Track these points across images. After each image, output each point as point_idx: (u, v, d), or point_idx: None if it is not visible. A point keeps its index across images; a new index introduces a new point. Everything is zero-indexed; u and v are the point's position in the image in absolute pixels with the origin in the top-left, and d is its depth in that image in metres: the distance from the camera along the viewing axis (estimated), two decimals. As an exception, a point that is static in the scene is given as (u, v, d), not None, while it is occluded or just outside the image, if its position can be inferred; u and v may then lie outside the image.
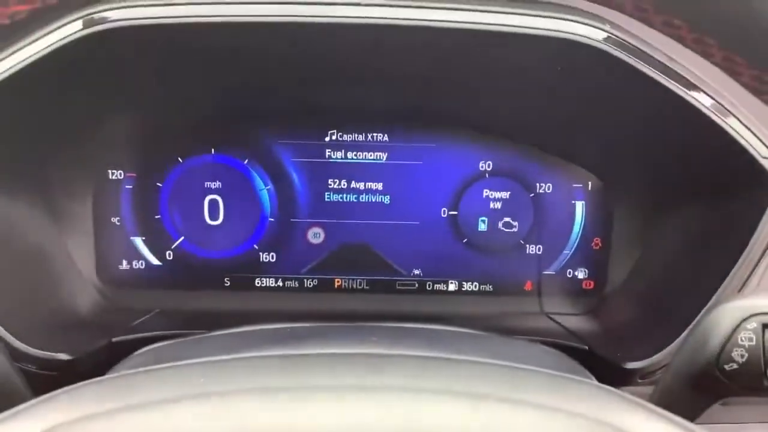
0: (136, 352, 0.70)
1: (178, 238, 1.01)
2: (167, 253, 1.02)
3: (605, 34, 0.76)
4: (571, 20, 0.76)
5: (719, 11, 0.53)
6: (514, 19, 0.77)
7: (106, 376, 0.48)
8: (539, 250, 1.04)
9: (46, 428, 0.40)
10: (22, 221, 0.88)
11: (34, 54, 0.71)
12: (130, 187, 1.00)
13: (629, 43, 0.75)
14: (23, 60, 0.71)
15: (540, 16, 0.77)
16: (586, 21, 0.76)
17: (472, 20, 0.77)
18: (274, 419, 0.39)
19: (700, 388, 0.57)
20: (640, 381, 0.82)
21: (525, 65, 0.84)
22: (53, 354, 0.78)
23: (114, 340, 0.86)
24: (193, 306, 1.01)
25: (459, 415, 0.42)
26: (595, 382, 0.49)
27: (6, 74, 0.71)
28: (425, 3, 0.78)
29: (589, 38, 0.76)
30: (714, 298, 0.80)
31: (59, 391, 0.45)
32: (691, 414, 0.59)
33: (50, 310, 0.87)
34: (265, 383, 0.43)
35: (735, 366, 0.55)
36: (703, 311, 0.79)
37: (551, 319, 1.01)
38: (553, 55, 0.80)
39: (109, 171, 0.99)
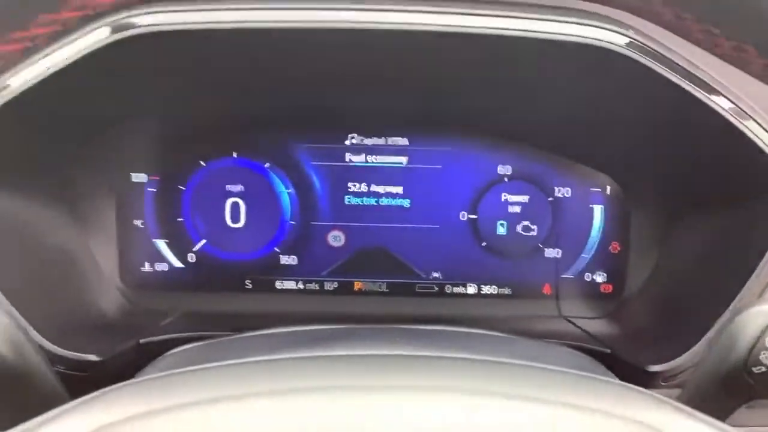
0: (169, 353, 0.71)
1: (200, 241, 1.02)
2: (189, 255, 1.03)
3: (628, 40, 0.77)
4: (594, 26, 0.77)
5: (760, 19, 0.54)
6: (537, 25, 0.78)
7: (152, 376, 0.49)
8: (558, 254, 1.05)
9: (95, 428, 0.40)
10: (48, 224, 0.90)
11: (62, 61, 0.72)
12: (153, 190, 1.01)
13: (651, 48, 0.76)
14: (51, 67, 0.72)
15: (563, 21, 0.78)
16: (609, 26, 0.77)
17: (494, 26, 0.78)
18: (326, 419, 0.40)
19: (728, 390, 0.58)
20: (662, 384, 0.83)
21: (547, 70, 0.85)
22: (83, 355, 0.79)
23: (141, 341, 0.87)
24: (215, 308, 1.02)
25: (495, 414, 0.42)
26: (630, 384, 0.49)
27: (34, 81, 0.72)
28: (448, 9, 0.79)
29: (612, 43, 0.76)
30: (734, 301, 0.81)
31: (106, 390, 0.46)
32: (719, 416, 0.59)
33: (77, 312, 0.89)
34: (314, 384, 0.44)
35: (763, 369, 0.56)
36: (725, 315, 0.80)
37: (570, 322, 1.02)
38: (575, 61, 0.81)
39: (133, 174, 1.00)
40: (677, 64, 0.76)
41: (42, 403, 0.63)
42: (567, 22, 0.78)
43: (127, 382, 0.48)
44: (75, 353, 0.78)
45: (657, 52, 0.76)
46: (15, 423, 0.53)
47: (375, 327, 0.69)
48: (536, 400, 0.44)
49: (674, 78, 0.76)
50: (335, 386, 0.45)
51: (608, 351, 0.89)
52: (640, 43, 0.76)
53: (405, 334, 0.68)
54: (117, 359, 0.82)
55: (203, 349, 0.68)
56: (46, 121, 0.82)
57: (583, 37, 0.77)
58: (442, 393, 0.45)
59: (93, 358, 0.79)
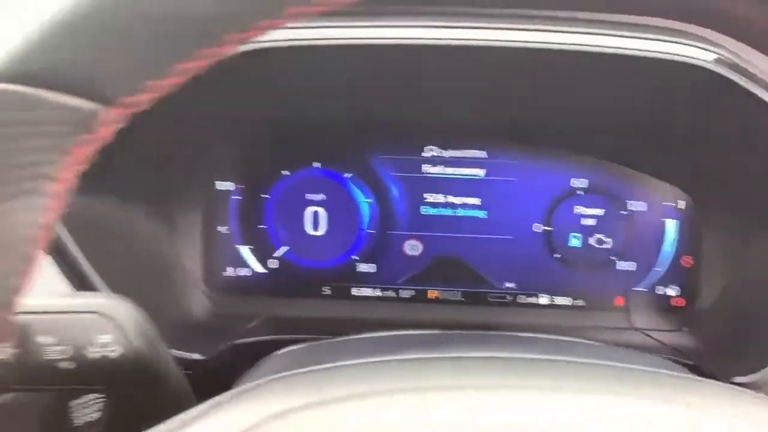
0: (276, 353, 0.74)
1: (282, 248, 1.06)
2: (271, 261, 1.06)
3: (715, 56, 0.79)
4: (680, 42, 0.79)
5: None
6: (622, 42, 0.81)
7: (302, 371, 0.51)
8: (630, 267, 1.06)
9: (257, 420, 0.42)
10: (143, 229, 0.94)
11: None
12: (238, 198, 1.05)
13: (738, 63, 0.78)
14: None
15: (649, 38, 0.80)
16: (696, 43, 0.79)
17: (580, 43, 0.80)
18: (474, 416, 0.42)
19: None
20: (748, 396, 0.83)
21: (628, 86, 0.87)
22: (188, 354, 0.82)
23: (237, 342, 0.90)
24: (294, 313, 1.05)
25: (631, 413, 0.44)
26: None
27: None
28: (535, 26, 0.82)
29: (698, 59, 0.79)
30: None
31: (263, 381, 0.48)
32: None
33: (172, 314, 0.92)
34: (462, 383, 0.46)
35: None
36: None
37: (647, 335, 1.03)
38: (658, 76, 0.83)
39: (219, 182, 1.04)
40: (763, 79, 0.78)
41: (171, 401, 0.66)
42: (653, 39, 0.80)
43: (276, 376, 0.50)
44: (181, 352, 0.82)
45: (743, 67, 0.78)
46: (147, 421, 0.57)
47: (484, 333, 0.71)
48: (667, 402, 0.45)
49: (760, 93, 0.78)
50: (487, 385, 0.47)
51: (691, 363, 0.90)
52: (727, 58, 0.78)
53: (506, 341, 0.70)
54: (216, 359, 0.86)
55: (313, 350, 0.70)
56: (146, 135, 0.86)
57: (668, 53, 0.79)
58: (566, 393, 0.47)
59: (197, 357, 0.83)
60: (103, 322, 0.63)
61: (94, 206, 0.84)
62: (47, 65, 0.30)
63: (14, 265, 0.30)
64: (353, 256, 1.07)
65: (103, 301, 0.63)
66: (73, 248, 0.79)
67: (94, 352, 0.63)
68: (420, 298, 1.07)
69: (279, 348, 0.78)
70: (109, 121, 0.33)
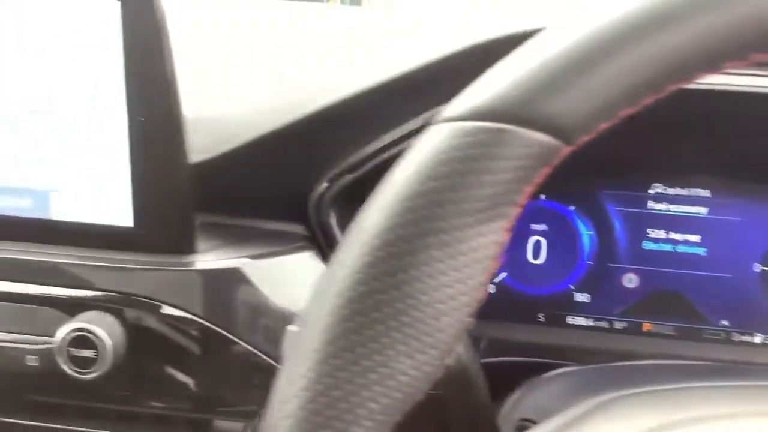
0: (546, 375, 0.78)
1: (501, 274, 1.10)
2: (490, 286, 1.10)
3: None
4: None
5: None
6: None
7: (643, 390, 0.55)
8: (844, 311, 1.07)
9: (654, 425, 0.46)
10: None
11: None
12: (465, 224, 1.09)
13: None
14: None
15: None
16: None
17: None
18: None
19: None
20: None
21: None
22: None
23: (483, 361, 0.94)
24: (510, 336, 1.09)
25: None
26: None
27: None
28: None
29: None
30: None
31: (645, 390, 0.52)
32: None
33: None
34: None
35: None
36: None
37: None
38: None
39: (447, 208, 1.09)
40: None
41: (479, 408, 0.71)
42: None
43: (625, 392, 0.54)
44: None
45: None
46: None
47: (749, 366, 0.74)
48: None
49: None
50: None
51: None
52: None
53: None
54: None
55: (592, 374, 0.74)
56: None
57: None
58: None
59: None
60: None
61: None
62: (528, 106, 0.33)
63: (480, 279, 0.34)
64: (570, 286, 1.10)
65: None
66: None
67: None
68: (633, 330, 1.10)
69: (509, 370, 0.82)
70: (562, 156, 0.37)
